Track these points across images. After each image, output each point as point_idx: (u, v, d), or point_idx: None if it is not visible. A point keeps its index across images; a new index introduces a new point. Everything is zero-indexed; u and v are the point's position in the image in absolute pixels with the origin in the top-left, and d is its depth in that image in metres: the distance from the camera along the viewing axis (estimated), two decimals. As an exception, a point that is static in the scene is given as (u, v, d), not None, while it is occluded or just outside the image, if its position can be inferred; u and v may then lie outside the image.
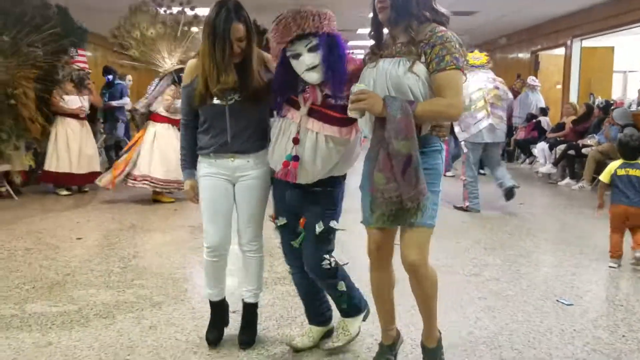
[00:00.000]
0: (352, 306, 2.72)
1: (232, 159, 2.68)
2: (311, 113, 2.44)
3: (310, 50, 2.36)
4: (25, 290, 3.67)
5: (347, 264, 2.77)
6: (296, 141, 2.44)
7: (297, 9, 2.36)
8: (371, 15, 2.39)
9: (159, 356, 2.71)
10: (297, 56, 2.39)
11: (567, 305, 3.42)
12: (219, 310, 2.93)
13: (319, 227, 2.53)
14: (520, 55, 13.13)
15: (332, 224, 2.57)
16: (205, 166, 2.74)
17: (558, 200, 7.01)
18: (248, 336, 2.86)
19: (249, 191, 2.73)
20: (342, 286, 2.63)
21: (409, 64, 2.19)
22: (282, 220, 2.68)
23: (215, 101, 2.61)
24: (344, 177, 2.63)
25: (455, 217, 5.94)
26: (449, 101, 2.17)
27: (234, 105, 2.62)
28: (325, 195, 2.56)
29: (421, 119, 2.19)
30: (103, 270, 4.10)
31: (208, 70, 2.54)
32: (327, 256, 2.56)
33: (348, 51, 2.48)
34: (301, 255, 2.64)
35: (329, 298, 2.78)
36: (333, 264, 2.58)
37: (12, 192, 6.99)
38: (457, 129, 6.18)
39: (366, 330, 2.88)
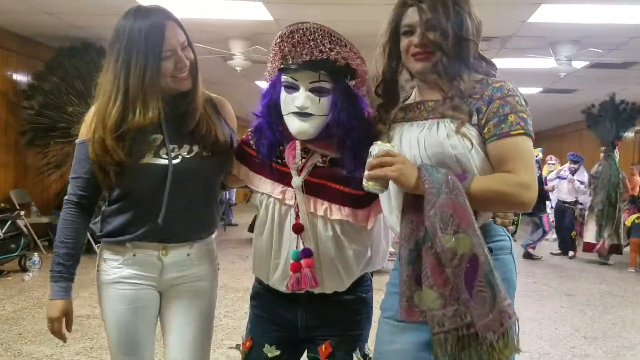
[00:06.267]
0: None
1: (163, 250, 1.72)
2: (310, 188, 1.62)
3: (314, 91, 1.55)
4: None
5: None
6: (298, 229, 1.61)
7: (329, 29, 1.56)
8: (381, 62, 1.63)
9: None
10: (291, 88, 1.57)
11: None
12: None
13: (357, 358, 1.70)
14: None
15: (367, 349, 1.74)
16: (114, 265, 1.72)
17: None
18: None
19: (193, 302, 1.78)
20: None
21: (453, 125, 1.46)
22: (272, 351, 1.71)
23: (151, 160, 1.66)
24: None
25: (553, 302, 5.64)
26: (519, 179, 1.41)
27: (181, 166, 1.68)
28: (359, 304, 1.72)
29: (476, 203, 1.41)
30: (196, 327, 4.24)
31: (120, 102, 1.61)
32: None
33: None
34: None
35: None
36: None
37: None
38: None
39: None
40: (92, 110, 1.69)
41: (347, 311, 1.70)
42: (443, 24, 1.47)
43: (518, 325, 1.36)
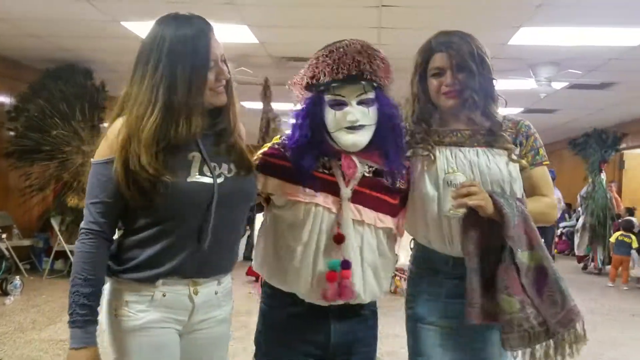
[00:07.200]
0: None
1: (193, 287, 1.51)
2: (358, 197, 1.64)
3: (362, 103, 1.59)
4: None
5: None
6: (339, 239, 1.59)
7: (363, 42, 1.63)
8: (415, 94, 1.83)
9: None
10: (339, 105, 1.59)
11: None
12: None
13: None
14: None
15: (377, 357, 1.83)
16: (140, 309, 1.47)
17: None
18: None
19: (210, 351, 1.63)
20: None
21: (505, 154, 1.74)
22: None
23: (196, 178, 1.49)
24: None
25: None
26: (551, 201, 1.83)
27: (225, 185, 1.53)
28: (373, 318, 1.78)
29: None
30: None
31: (167, 116, 1.44)
32: None
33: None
34: None
35: None
36: None
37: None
38: None
39: None
40: (118, 124, 1.48)
41: (365, 325, 1.75)
42: (471, 66, 1.72)
43: (583, 322, 1.67)
